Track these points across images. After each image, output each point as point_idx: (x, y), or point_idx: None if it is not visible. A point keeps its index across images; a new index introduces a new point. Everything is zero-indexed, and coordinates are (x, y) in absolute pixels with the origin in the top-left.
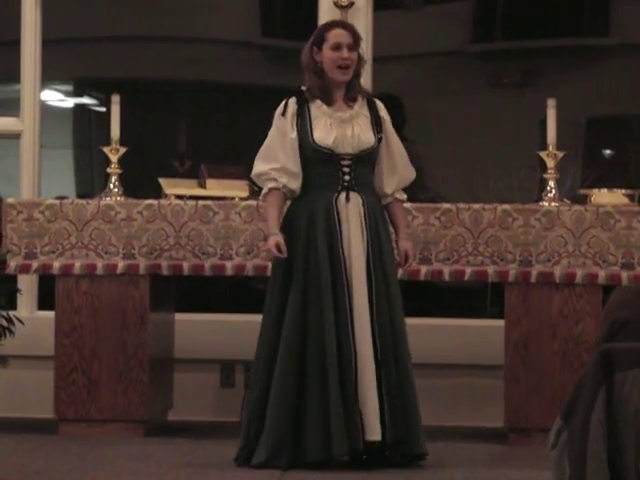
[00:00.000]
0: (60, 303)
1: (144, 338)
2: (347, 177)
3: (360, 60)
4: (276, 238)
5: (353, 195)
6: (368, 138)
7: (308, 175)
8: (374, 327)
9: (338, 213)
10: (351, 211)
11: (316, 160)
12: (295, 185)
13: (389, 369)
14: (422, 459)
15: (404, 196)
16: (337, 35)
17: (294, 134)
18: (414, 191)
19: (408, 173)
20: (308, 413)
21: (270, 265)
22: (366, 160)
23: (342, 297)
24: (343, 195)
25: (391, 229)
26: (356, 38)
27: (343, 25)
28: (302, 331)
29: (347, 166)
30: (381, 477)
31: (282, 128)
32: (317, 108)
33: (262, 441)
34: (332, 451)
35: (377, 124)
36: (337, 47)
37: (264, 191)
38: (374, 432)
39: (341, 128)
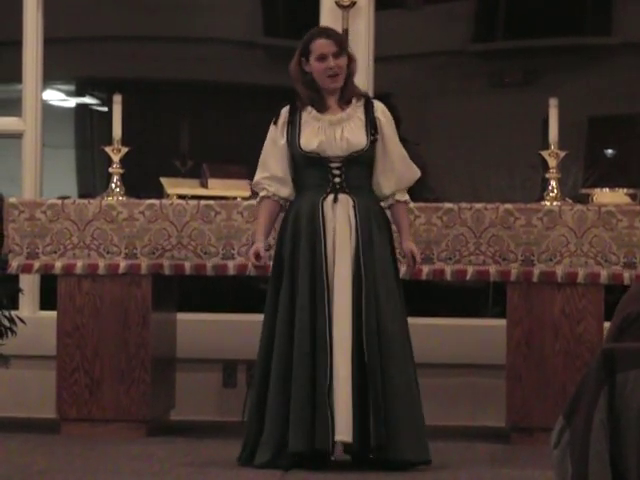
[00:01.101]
0: (62, 303)
1: (146, 338)
2: (337, 179)
3: (351, 61)
4: (256, 246)
5: (343, 197)
6: (358, 140)
7: (300, 179)
8: (361, 330)
9: (323, 215)
10: (338, 213)
11: (306, 164)
12: (285, 192)
13: (374, 373)
14: (407, 466)
15: (405, 197)
16: (321, 46)
17: (283, 141)
18: (419, 191)
19: (409, 173)
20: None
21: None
22: (359, 162)
23: (321, 298)
24: (331, 197)
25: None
26: (341, 44)
27: (326, 34)
28: (292, 331)
29: (337, 168)
30: (382, 478)
31: (273, 137)
32: (307, 114)
33: (263, 441)
34: (289, 448)
35: (372, 126)
36: (322, 58)
37: (257, 199)
38: (343, 433)
39: (330, 130)
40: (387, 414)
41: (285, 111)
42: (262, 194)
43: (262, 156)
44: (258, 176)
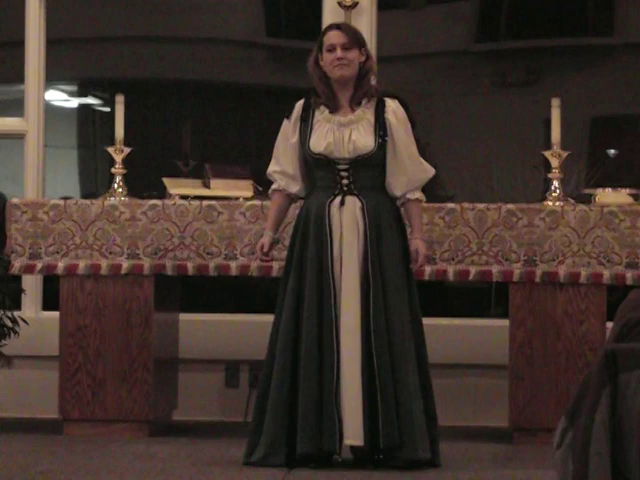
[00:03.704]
0: (65, 303)
1: (149, 338)
2: (345, 181)
3: (367, 60)
4: (262, 240)
5: (350, 199)
6: (365, 143)
7: (312, 179)
8: (369, 332)
9: (330, 217)
10: (345, 215)
11: (315, 165)
12: (294, 189)
13: (383, 374)
14: (420, 465)
15: (417, 195)
16: (330, 37)
17: (294, 139)
18: (433, 189)
19: (420, 173)
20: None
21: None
22: (367, 164)
23: (328, 300)
24: (338, 199)
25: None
26: (352, 37)
27: (337, 26)
28: (296, 332)
29: (345, 170)
30: (385, 477)
31: (286, 132)
32: (320, 114)
33: (262, 438)
34: (297, 450)
35: (381, 128)
36: (331, 49)
37: (270, 191)
38: (354, 436)
39: (339, 132)
40: (398, 414)
41: (299, 106)
42: (274, 186)
43: (275, 149)
44: (271, 168)
